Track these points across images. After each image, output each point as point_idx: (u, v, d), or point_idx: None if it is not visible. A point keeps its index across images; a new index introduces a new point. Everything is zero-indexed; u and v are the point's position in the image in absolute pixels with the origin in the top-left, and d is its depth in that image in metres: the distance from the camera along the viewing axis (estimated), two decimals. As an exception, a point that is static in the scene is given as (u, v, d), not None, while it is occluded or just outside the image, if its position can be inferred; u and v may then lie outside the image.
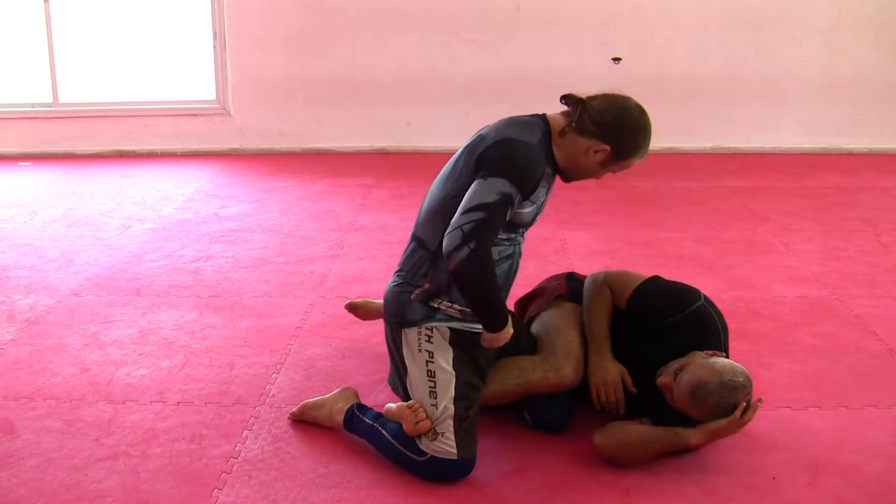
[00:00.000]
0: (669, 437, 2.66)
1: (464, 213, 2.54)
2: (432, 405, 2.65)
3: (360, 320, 3.61)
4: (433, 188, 2.78)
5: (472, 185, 2.58)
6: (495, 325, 2.68)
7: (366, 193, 5.93)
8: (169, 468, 2.72)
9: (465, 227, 2.52)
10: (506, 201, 2.55)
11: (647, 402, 2.78)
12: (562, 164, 2.72)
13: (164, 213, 5.49)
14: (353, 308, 3.56)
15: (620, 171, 2.77)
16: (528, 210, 2.67)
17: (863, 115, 7.07)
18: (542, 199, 2.72)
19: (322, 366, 3.41)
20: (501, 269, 2.72)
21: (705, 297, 2.88)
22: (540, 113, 2.77)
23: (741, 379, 2.58)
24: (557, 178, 2.81)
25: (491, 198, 2.54)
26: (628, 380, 2.82)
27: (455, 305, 2.71)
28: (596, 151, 2.67)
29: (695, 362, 2.65)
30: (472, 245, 2.51)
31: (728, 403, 2.56)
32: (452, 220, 2.56)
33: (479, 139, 2.69)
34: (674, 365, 2.69)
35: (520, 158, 2.59)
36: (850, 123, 7.09)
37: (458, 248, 2.51)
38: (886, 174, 6.45)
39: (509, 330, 2.72)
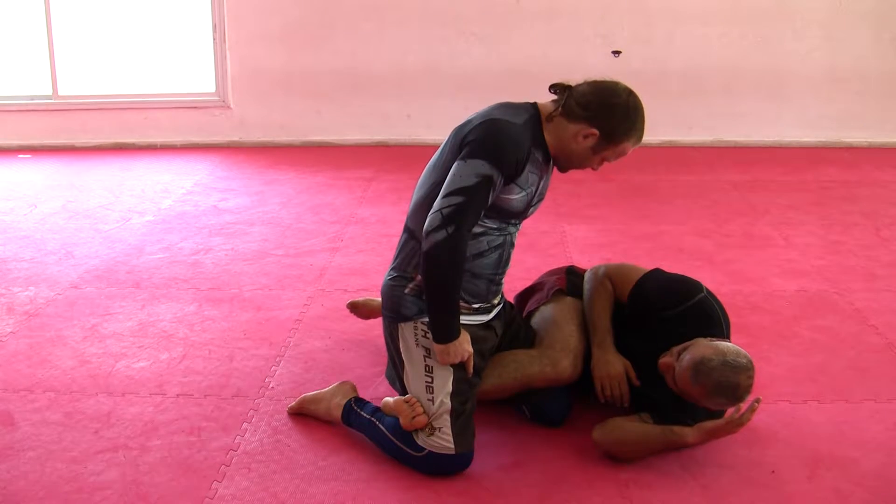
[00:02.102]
0: (667, 436, 2.67)
1: (444, 196, 2.53)
2: (429, 400, 2.65)
3: (361, 315, 3.61)
4: (423, 177, 2.76)
5: (453, 167, 2.56)
6: (444, 332, 2.60)
7: (365, 186, 5.93)
8: (168, 460, 2.72)
9: (445, 211, 2.51)
10: (486, 183, 2.51)
11: (650, 395, 2.79)
12: (553, 151, 2.68)
13: (164, 206, 5.49)
14: (354, 307, 3.54)
15: (616, 157, 2.68)
16: (516, 196, 2.62)
17: (863, 109, 7.06)
18: (533, 187, 2.66)
19: (321, 358, 3.41)
20: (490, 258, 2.71)
21: (707, 289, 2.88)
22: (532, 101, 2.73)
23: (744, 360, 2.57)
24: (556, 171, 2.79)
25: (470, 181, 2.51)
26: (632, 373, 2.82)
27: None
28: (585, 136, 2.61)
29: (699, 342, 2.65)
30: (450, 229, 2.49)
31: (730, 383, 2.53)
32: (434, 203, 2.55)
33: (466, 123, 2.67)
34: (677, 348, 2.68)
35: (499, 138, 2.55)
36: (851, 117, 7.08)
37: (436, 230, 2.50)
38: (887, 168, 6.45)
39: (463, 346, 2.63)
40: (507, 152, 2.54)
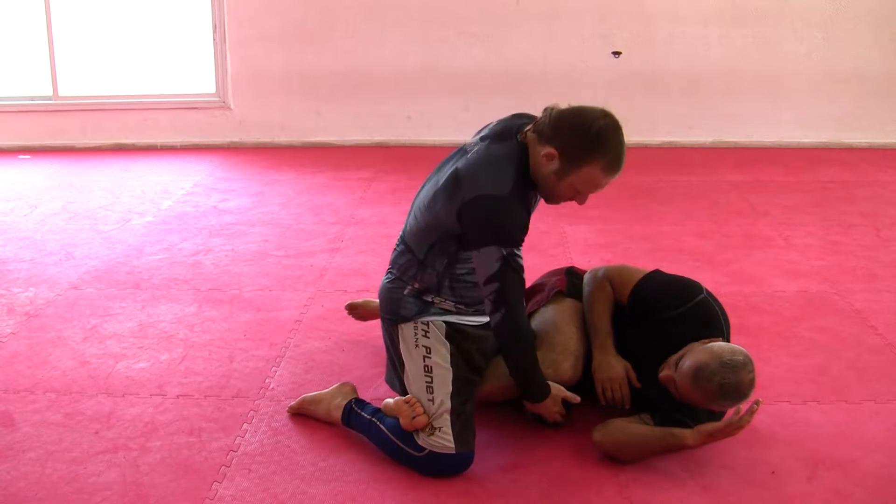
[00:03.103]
0: (667, 439, 2.67)
1: (483, 285, 2.57)
2: (429, 400, 2.65)
3: (360, 316, 3.61)
4: (420, 200, 2.72)
5: (475, 257, 2.56)
6: (533, 395, 2.72)
7: (365, 187, 5.93)
8: (168, 461, 2.72)
9: (491, 298, 2.56)
10: (509, 258, 2.52)
11: (650, 396, 2.79)
12: (535, 180, 2.60)
13: (164, 207, 5.49)
14: (352, 308, 3.54)
15: (588, 187, 2.56)
16: None
17: (863, 110, 7.07)
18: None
19: (321, 359, 3.41)
20: None
21: (707, 290, 2.87)
22: (524, 126, 2.63)
23: (741, 357, 2.56)
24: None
25: (494, 267, 2.52)
26: (632, 375, 2.82)
27: (448, 300, 2.70)
28: (549, 158, 2.51)
29: (693, 349, 2.65)
30: (503, 311, 2.55)
31: (732, 383, 2.52)
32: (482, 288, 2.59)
33: (455, 179, 2.56)
34: (673, 358, 2.69)
35: (500, 222, 2.51)
36: (850, 118, 7.08)
37: (492, 314, 2.58)
38: (886, 168, 6.45)
39: (549, 408, 2.74)
40: (512, 231, 2.54)
